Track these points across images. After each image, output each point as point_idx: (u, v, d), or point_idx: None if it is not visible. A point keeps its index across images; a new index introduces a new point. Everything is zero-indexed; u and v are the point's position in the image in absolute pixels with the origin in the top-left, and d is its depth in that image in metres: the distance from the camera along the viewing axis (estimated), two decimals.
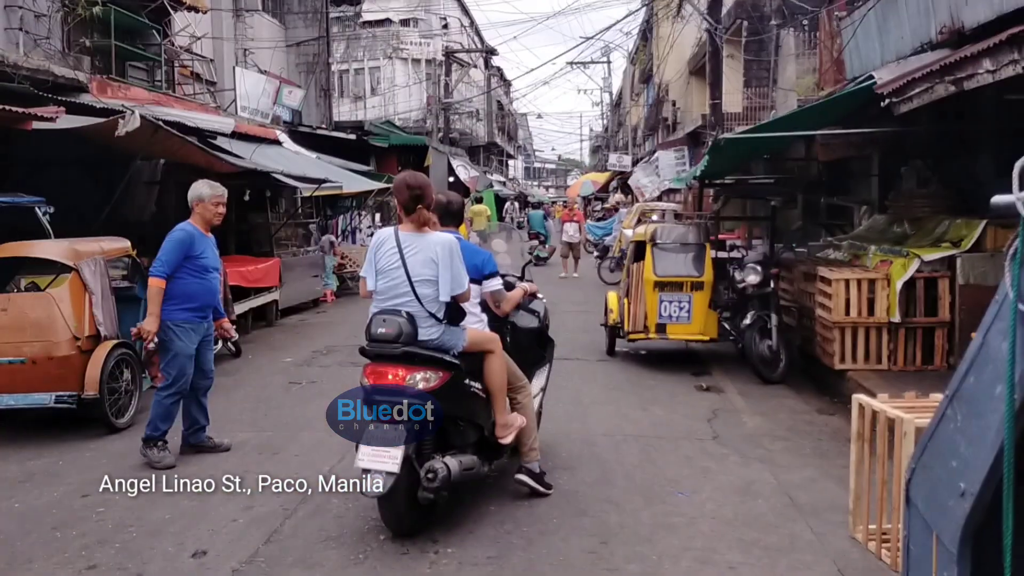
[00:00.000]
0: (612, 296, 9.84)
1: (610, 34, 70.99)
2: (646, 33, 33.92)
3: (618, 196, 29.40)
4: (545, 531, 4.67)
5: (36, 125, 8.24)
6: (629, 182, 28.12)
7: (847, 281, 7.78)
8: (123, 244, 7.66)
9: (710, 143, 11.85)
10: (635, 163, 33.61)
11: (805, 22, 15.42)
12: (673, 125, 28.19)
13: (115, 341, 6.84)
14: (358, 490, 4.36)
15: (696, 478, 5.58)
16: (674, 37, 23.59)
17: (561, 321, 9.86)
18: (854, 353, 7.73)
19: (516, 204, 43.17)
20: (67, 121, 8.77)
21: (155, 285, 5.77)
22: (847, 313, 7.72)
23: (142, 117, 8.76)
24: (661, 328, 8.89)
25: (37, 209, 7.75)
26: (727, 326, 9.08)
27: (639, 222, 15.50)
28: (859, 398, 4.65)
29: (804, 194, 12.66)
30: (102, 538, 4.62)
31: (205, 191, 6.03)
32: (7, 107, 7.85)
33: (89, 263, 6.83)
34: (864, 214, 10.93)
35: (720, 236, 11.45)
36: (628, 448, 6.23)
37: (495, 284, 5.20)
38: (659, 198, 23.62)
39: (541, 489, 5.14)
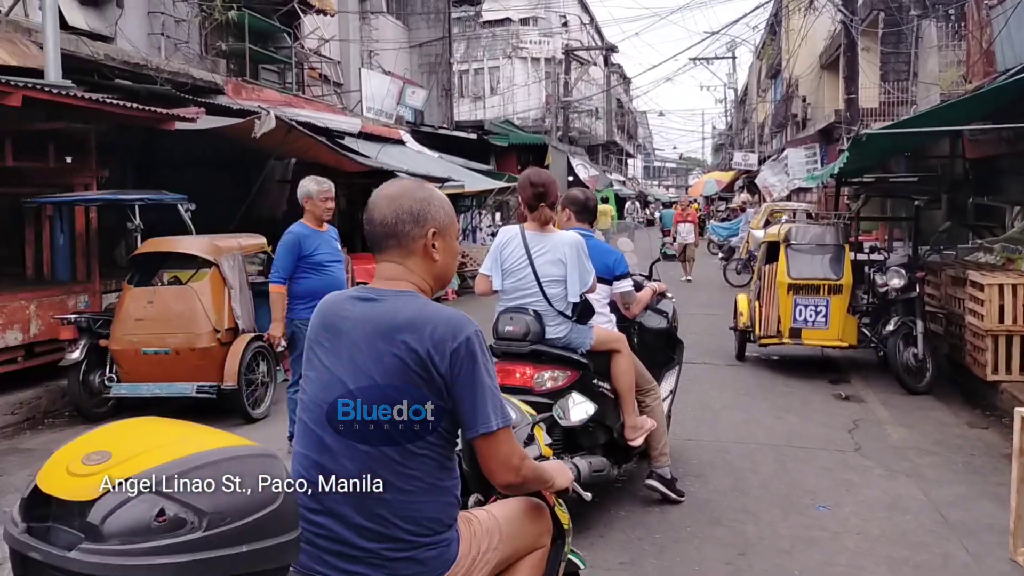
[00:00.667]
0: (742, 299, 9.51)
1: (736, 28, 69.50)
2: (774, 27, 32.90)
3: (744, 196, 28.64)
4: (678, 539, 4.51)
5: (179, 125, 8.62)
6: (756, 181, 27.31)
7: (1001, 286, 7.25)
8: (259, 240, 7.92)
9: (848, 139, 11.32)
10: (761, 161, 32.64)
11: (951, 12, 14.57)
12: (803, 122, 27.24)
13: (252, 334, 7.07)
14: None
15: (837, 491, 5.30)
16: (805, 30, 22.75)
17: (687, 323, 9.58)
18: (1008, 363, 7.20)
19: (637, 204, 42.64)
20: (206, 122, 9.15)
21: (275, 291, 5.89)
22: (1001, 320, 7.20)
23: (277, 117, 9.05)
24: (795, 333, 8.52)
25: (180, 206, 8.08)
26: (867, 332, 8.63)
27: (767, 223, 15.01)
28: (1023, 411, 4.29)
29: (949, 193, 11.94)
30: None
31: (312, 187, 6.09)
32: (153, 108, 8.24)
33: (228, 258, 7.08)
34: (1017, 215, 10.20)
35: (858, 237, 10.92)
36: (763, 457, 5.98)
37: (626, 285, 5.06)
38: (788, 198, 22.86)
39: (673, 496, 4.98)
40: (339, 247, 6.24)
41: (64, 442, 5.16)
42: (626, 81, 55.46)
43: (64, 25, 8.97)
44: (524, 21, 41.22)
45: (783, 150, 27.75)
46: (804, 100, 27.63)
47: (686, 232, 18.68)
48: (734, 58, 47.24)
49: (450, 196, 15.98)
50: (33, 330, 7.34)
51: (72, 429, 6.88)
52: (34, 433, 6.82)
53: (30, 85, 6.75)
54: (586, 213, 5.15)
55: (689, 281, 17.38)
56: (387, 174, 12.60)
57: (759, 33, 36.74)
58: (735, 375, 8.83)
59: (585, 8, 47.11)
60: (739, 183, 36.17)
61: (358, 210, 14.15)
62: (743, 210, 24.21)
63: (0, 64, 7.65)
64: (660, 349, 5.75)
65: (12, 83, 6.50)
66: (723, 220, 27.65)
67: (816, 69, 26.14)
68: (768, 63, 38.31)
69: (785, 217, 16.44)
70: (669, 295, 5.91)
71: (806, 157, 23.37)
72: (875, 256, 9.16)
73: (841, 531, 4.63)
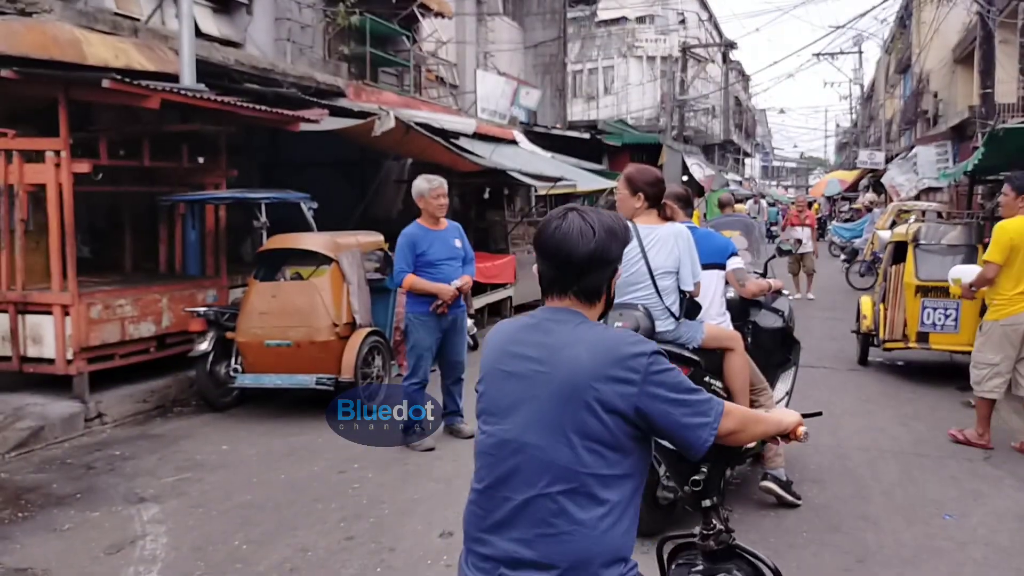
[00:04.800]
0: (866, 301, 9.14)
1: (863, 22, 66.77)
2: (904, 19, 31.49)
3: (870, 195, 27.48)
4: (794, 544, 4.39)
5: (303, 127, 8.93)
6: (882, 180, 26.16)
7: None
8: (377, 238, 8.13)
9: (984, 135, 10.72)
10: (888, 160, 31.26)
11: None
12: (934, 118, 25.98)
13: (369, 329, 7.26)
14: None
15: (965, 501, 5.04)
16: (938, 23, 21.68)
17: (806, 327, 9.31)
18: None
19: (764, 203, 41.65)
20: (329, 123, 9.43)
21: (406, 283, 6.14)
22: None
23: (396, 118, 9.26)
24: (923, 337, 8.12)
25: (303, 204, 8.37)
26: None
27: (894, 223, 14.37)
28: None
29: None
30: (358, 512, 4.90)
31: (424, 186, 6.25)
32: (280, 111, 8.57)
33: (347, 255, 7.29)
34: None
35: None
36: (885, 464, 5.74)
37: (737, 262, 5.03)
38: (916, 197, 21.83)
39: (789, 498, 4.84)
40: (458, 244, 6.34)
41: (191, 429, 5.42)
42: (745, 78, 54.20)
43: (198, 32, 9.43)
44: (640, 19, 40.87)
45: (912, 148, 26.50)
46: (935, 96, 26.36)
47: (804, 238, 14.68)
48: (860, 53, 45.52)
49: (561, 196, 16.00)
50: (165, 322, 7.74)
51: (199, 417, 7.24)
52: (164, 420, 7.19)
53: (167, 89, 7.12)
54: (689, 207, 5.20)
55: (811, 299, 14.55)
56: (500, 173, 12.73)
57: (887, 26, 35.30)
58: (857, 380, 8.49)
59: (703, 4, 46.31)
60: (864, 182, 34.77)
61: (471, 209, 14.34)
62: (869, 210, 23.23)
63: (139, 69, 8.09)
64: (775, 349, 5.61)
65: (151, 87, 6.88)
66: (846, 221, 26.67)
67: (949, 63, 24.90)
68: (897, 57, 36.71)
69: (913, 217, 15.68)
70: (785, 292, 5.76)
71: (937, 155, 22.24)
72: None
73: (968, 541, 4.42)
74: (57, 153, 6.85)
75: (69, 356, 6.90)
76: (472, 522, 2.02)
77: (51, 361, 6.98)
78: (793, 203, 17.90)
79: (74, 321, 6.87)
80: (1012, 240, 5.79)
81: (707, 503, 2.55)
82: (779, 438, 2.25)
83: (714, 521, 2.52)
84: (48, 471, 5.77)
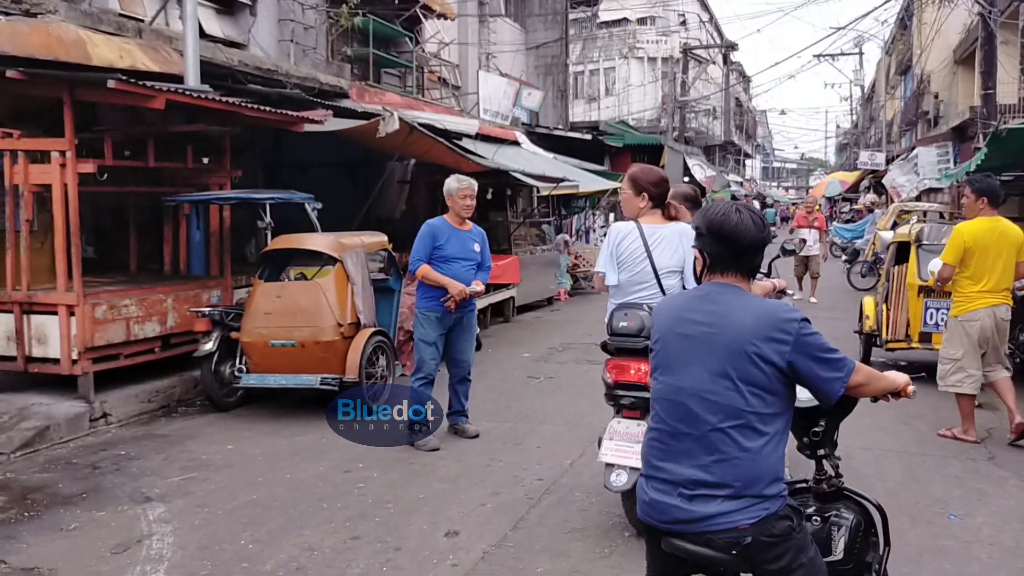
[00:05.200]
0: (869, 301, 9.15)
1: (864, 23, 66.80)
2: (905, 21, 31.50)
3: (871, 196, 27.49)
4: None
5: (307, 127, 8.95)
6: (883, 181, 26.15)
7: None
8: (381, 238, 8.15)
9: (987, 135, 10.74)
10: (889, 161, 31.28)
11: None
12: (935, 119, 25.99)
13: (373, 329, 7.27)
14: (603, 484, 4.32)
15: (969, 500, 5.06)
16: (939, 24, 21.68)
17: None
18: None
19: (756, 204, 41.66)
20: (333, 124, 9.45)
21: (420, 272, 6.19)
22: None
23: (400, 119, 9.28)
24: (925, 337, 8.13)
25: (307, 205, 8.39)
26: None
27: (895, 224, 14.38)
28: None
29: None
30: (363, 512, 4.92)
31: (452, 185, 6.33)
32: (284, 111, 8.59)
33: (352, 255, 7.31)
34: None
35: None
36: (889, 464, 5.76)
37: None
38: (918, 198, 21.83)
39: None
40: (477, 249, 6.35)
41: (196, 429, 5.45)
42: (746, 79, 54.23)
43: (202, 33, 9.44)
44: (641, 21, 40.91)
45: (913, 149, 26.52)
46: (936, 97, 26.36)
47: (811, 240, 14.59)
48: (861, 54, 45.65)
49: (563, 197, 16.02)
50: (170, 322, 7.76)
51: (204, 417, 7.25)
52: (169, 420, 7.20)
53: (172, 89, 7.15)
54: (697, 207, 5.19)
55: (814, 302, 14.30)
56: (503, 174, 12.75)
57: (888, 28, 35.30)
58: None
59: (704, 6, 46.34)
60: (865, 183, 34.80)
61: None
62: (870, 211, 23.25)
63: (144, 70, 8.11)
64: None
65: (156, 87, 6.90)
66: (847, 221, 26.69)
67: (950, 64, 24.91)
68: (898, 59, 36.73)
69: (915, 218, 15.68)
70: (789, 291, 5.78)
71: (938, 156, 22.24)
72: None
73: (972, 541, 4.44)
74: (62, 153, 6.87)
75: (74, 356, 6.92)
76: (652, 454, 2.48)
77: (56, 361, 7.00)
78: (796, 204, 17.87)
79: (79, 321, 6.89)
80: (966, 242, 6.09)
81: (821, 452, 2.89)
82: (890, 396, 2.67)
83: (826, 467, 2.90)
84: (53, 471, 5.79)
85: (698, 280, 2.61)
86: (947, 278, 6.29)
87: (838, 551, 2.76)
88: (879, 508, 2.93)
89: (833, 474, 2.90)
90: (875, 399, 2.66)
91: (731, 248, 2.50)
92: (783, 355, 2.37)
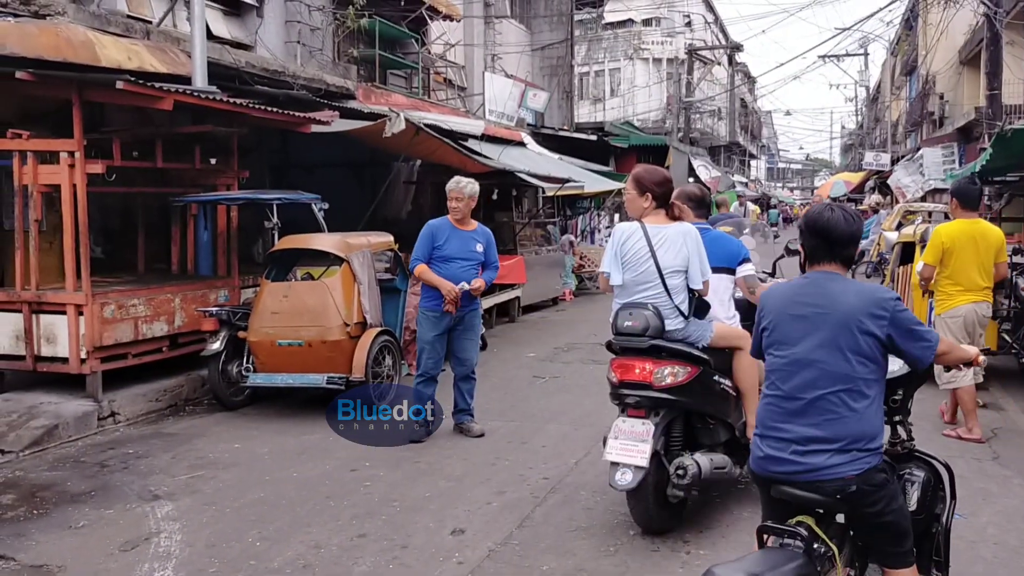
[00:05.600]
0: None
1: (869, 24, 66.60)
2: (910, 21, 31.44)
3: (876, 197, 27.42)
4: None
5: (314, 128, 8.99)
6: (888, 182, 26.10)
7: None
8: (387, 238, 8.18)
9: (992, 136, 10.73)
10: (894, 162, 31.20)
11: None
12: (940, 120, 25.93)
13: (379, 329, 7.31)
14: (608, 483, 4.35)
15: (974, 500, 5.06)
16: (944, 24, 21.63)
17: None
18: None
19: (759, 206, 41.58)
20: (340, 124, 9.49)
21: (417, 271, 6.31)
22: None
23: (406, 119, 9.31)
24: None
25: (314, 205, 8.43)
26: (1007, 338, 8.15)
27: (900, 224, 14.37)
28: None
29: None
30: (370, 510, 4.95)
31: (448, 184, 6.44)
32: (292, 112, 8.63)
33: (358, 255, 7.35)
34: None
35: None
36: None
37: (748, 269, 5.07)
38: (923, 199, 21.77)
39: None
40: (479, 248, 6.39)
41: (203, 428, 5.51)
42: (751, 80, 54.16)
43: (209, 35, 9.49)
44: (647, 22, 40.89)
45: (918, 149, 26.45)
46: (942, 97, 26.28)
47: None
48: (866, 55, 45.37)
49: (568, 197, 16.02)
50: (178, 322, 7.80)
51: (211, 416, 7.30)
52: (176, 419, 7.26)
53: (180, 90, 7.19)
54: (703, 208, 5.22)
55: None
56: (508, 175, 12.78)
57: (894, 28, 35.23)
58: None
59: (710, 7, 46.30)
60: (870, 184, 34.72)
61: (480, 210, 14.34)
62: (876, 211, 23.18)
63: (152, 71, 8.15)
64: None
65: (164, 88, 6.95)
66: None
67: (955, 65, 24.86)
68: (903, 59, 36.66)
69: (920, 218, 15.66)
70: None
71: (943, 156, 22.19)
72: (1018, 259, 8.65)
73: (977, 540, 4.45)
74: (71, 154, 6.91)
75: (83, 355, 6.97)
76: (768, 416, 2.92)
77: (65, 360, 7.05)
78: (802, 204, 17.93)
79: (88, 321, 6.93)
80: (944, 244, 6.35)
81: (897, 418, 3.24)
82: (963, 365, 3.18)
83: (900, 432, 3.26)
84: (62, 469, 5.84)
85: (802, 269, 3.11)
86: (928, 277, 6.55)
87: (912, 503, 3.11)
88: (947, 467, 3.30)
89: (906, 437, 3.26)
90: (947, 368, 3.39)
91: (825, 241, 2.94)
92: (883, 328, 2.80)
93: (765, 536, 2.87)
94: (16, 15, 7.80)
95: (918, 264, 7.10)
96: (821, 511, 2.86)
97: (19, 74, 6.55)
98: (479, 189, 6.60)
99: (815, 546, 2.75)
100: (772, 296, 3.09)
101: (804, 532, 2.75)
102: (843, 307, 2.83)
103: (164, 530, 4.70)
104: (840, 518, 2.91)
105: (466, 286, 6.21)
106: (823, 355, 2.81)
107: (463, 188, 6.40)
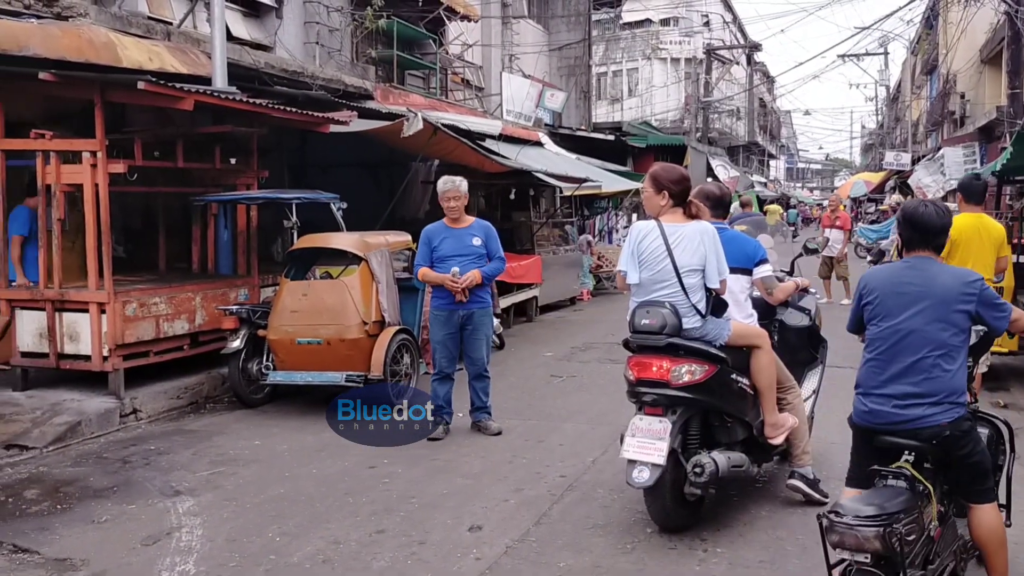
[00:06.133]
0: None
1: (889, 23, 66.02)
2: (930, 20, 31.20)
3: (896, 197, 27.24)
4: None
5: (333, 128, 9.05)
6: (909, 181, 25.94)
7: None
8: (405, 237, 8.22)
9: (1013, 134, 10.64)
10: (915, 161, 31.00)
11: None
12: (961, 119, 25.73)
13: (397, 327, 7.34)
14: (625, 481, 4.35)
15: None
16: (965, 23, 21.46)
17: (833, 327, 9.24)
18: None
19: (779, 206, 41.34)
20: (358, 124, 9.55)
21: (421, 274, 6.48)
22: None
23: (424, 119, 9.35)
24: None
25: (332, 205, 8.48)
26: None
27: None
28: None
29: None
30: (388, 506, 4.98)
31: (440, 187, 6.55)
32: (310, 112, 8.69)
33: (376, 254, 7.39)
34: None
35: (1022, 239, 10.25)
36: None
37: (766, 270, 5.03)
38: (944, 198, 21.62)
39: (816, 496, 4.86)
40: (476, 242, 6.42)
41: (224, 425, 5.53)
42: (769, 80, 53.91)
43: (229, 36, 9.56)
44: (664, 22, 40.82)
45: (939, 149, 26.27)
46: (962, 96, 26.07)
47: (835, 240, 14.28)
48: (886, 54, 45.04)
49: (586, 197, 15.98)
50: (198, 320, 7.87)
51: (231, 413, 7.36)
52: (197, 416, 7.32)
53: (200, 91, 7.26)
54: (720, 208, 5.19)
55: (846, 304, 12.23)
56: (526, 175, 12.80)
57: (914, 27, 34.96)
58: None
59: (728, 6, 46.11)
60: (890, 184, 34.48)
61: (497, 210, 14.42)
62: (895, 211, 23.05)
63: (172, 72, 8.23)
64: (802, 347, 5.63)
65: (185, 89, 7.02)
66: (872, 222, 26.49)
67: (976, 64, 24.64)
68: (923, 58, 36.36)
69: None
70: (812, 291, 5.78)
71: (964, 156, 22.03)
72: None
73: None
74: (93, 154, 6.99)
75: (105, 353, 7.04)
76: (870, 376, 3.46)
77: (87, 358, 7.13)
78: (820, 205, 17.69)
79: (110, 319, 7.01)
80: (951, 237, 6.38)
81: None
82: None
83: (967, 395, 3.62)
84: (85, 465, 5.91)
85: (900, 255, 3.68)
86: None
87: None
88: (1007, 424, 3.74)
89: (972, 400, 3.69)
90: (1011, 335, 4.00)
91: (921, 231, 3.50)
92: (972, 304, 3.38)
93: (873, 477, 3.39)
94: (39, 17, 7.91)
95: None
96: (912, 458, 3.35)
97: (42, 75, 6.63)
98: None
99: (915, 485, 3.28)
100: (876, 277, 3.61)
101: (907, 472, 3.30)
102: (940, 286, 3.39)
103: (185, 525, 4.75)
104: (927, 465, 3.40)
105: (456, 271, 6.26)
106: (923, 325, 3.36)
107: (460, 187, 6.47)
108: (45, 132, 7.17)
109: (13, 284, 7.56)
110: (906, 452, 3.37)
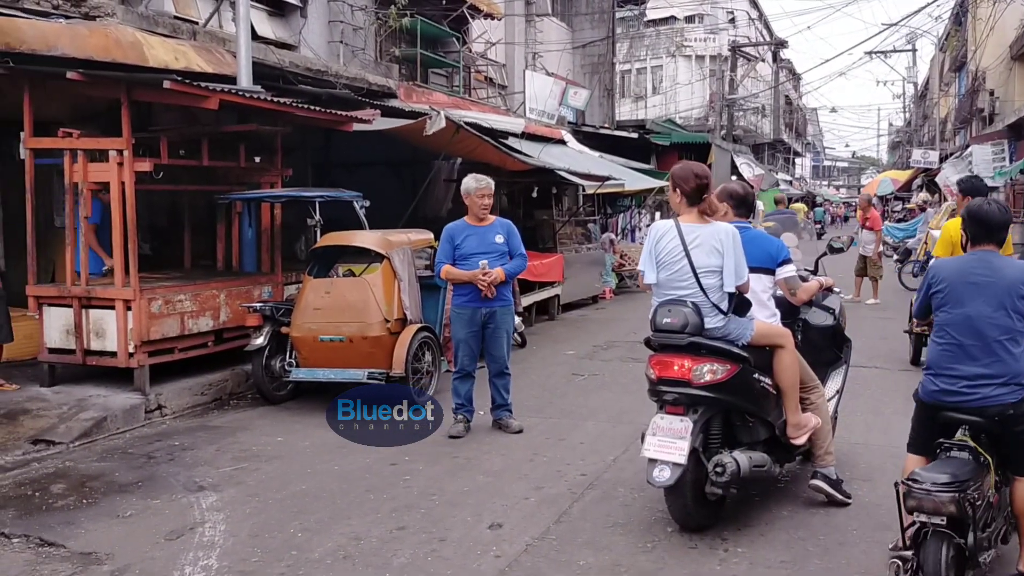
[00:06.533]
0: None
1: (917, 19, 65.19)
2: (959, 16, 30.82)
3: (924, 195, 26.98)
4: (844, 542, 4.37)
5: (356, 127, 9.09)
6: (936, 179, 25.65)
7: None
8: (427, 235, 8.24)
9: None
10: (943, 159, 30.65)
11: None
12: (990, 117, 25.41)
13: (419, 325, 7.36)
14: (646, 480, 4.34)
15: None
16: (994, 19, 21.18)
17: (857, 327, 9.19)
18: None
19: (803, 204, 41.00)
20: (381, 123, 9.58)
21: (443, 271, 6.46)
22: None
23: (447, 118, 9.37)
24: None
25: (355, 203, 8.52)
26: None
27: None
28: None
29: None
30: (409, 503, 5.00)
31: (471, 185, 6.48)
32: (334, 111, 8.73)
33: (399, 252, 7.41)
34: None
35: None
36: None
37: (789, 270, 4.96)
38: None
39: (839, 497, 4.82)
40: (499, 240, 6.43)
41: (247, 421, 5.56)
42: (795, 77, 53.47)
43: (254, 35, 9.63)
44: (689, 19, 40.62)
45: (967, 147, 25.96)
46: (992, 94, 25.75)
47: (867, 241, 14.29)
48: (914, 51, 44.61)
49: (609, 195, 15.95)
50: (223, 317, 7.94)
51: (255, 410, 7.42)
52: (220, 412, 7.39)
53: (225, 90, 7.32)
54: (744, 207, 5.11)
55: (877, 302, 13.84)
56: (548, 173, 12.78)
57: (942, 24, 34.55)
58: (909, 381, 8.32)
59: (753, 3, 45.79)
60: (917, 182, 34.12)
61: (519, 208, 14.41)
62: (923, 209, 22.78)
63: (198, 71, 8.31)
64: (826, 347, 5.58)
65: (210, 88, 7.07)
66: (899, 221, 26.24)
67: (1006, 60, 24.33)
68: (952, 55, 35.93)
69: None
70: (836, 290, 5.72)
71: (993, 154, 21.74)
72: None
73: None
74: (120, 152, 7.06)
75: (131, 349, 7.12)
76: (942, 358, 3.76)
77: (113, 354, 7.21)
78: (847, 203, 17.58)
79: (136, 316, 7.09)
80: (953, 238, 6.50)
81: None
82: None
83: None
84: (110, 460, 5.98)
85: (964, 249, 3.96)
86: None
87: None
88: None
89: None
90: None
91: (985, 227, 3.83)
92: None
93: (936, 449, 3.75)
94: (67, 17, 8.00)
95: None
96: (967, 430, 3.69)
97: (70, 74, 6.71)
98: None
99: (978, 456, 3.60)
100: (945, 268, 3.94)
101: (970, 444, 3.63)
102: (1006, 278, 3.71)
103: (208, 520, 4.79)
104: (984, 439, 3.70)
105: (485, 264, 6.27)
106: (990, 312, 3.67)
107: (490, 186, 6.50)
108: (72, 131, 7.25)
109: (104, 269, 7.74)
110: (963, 427, 3.69)
